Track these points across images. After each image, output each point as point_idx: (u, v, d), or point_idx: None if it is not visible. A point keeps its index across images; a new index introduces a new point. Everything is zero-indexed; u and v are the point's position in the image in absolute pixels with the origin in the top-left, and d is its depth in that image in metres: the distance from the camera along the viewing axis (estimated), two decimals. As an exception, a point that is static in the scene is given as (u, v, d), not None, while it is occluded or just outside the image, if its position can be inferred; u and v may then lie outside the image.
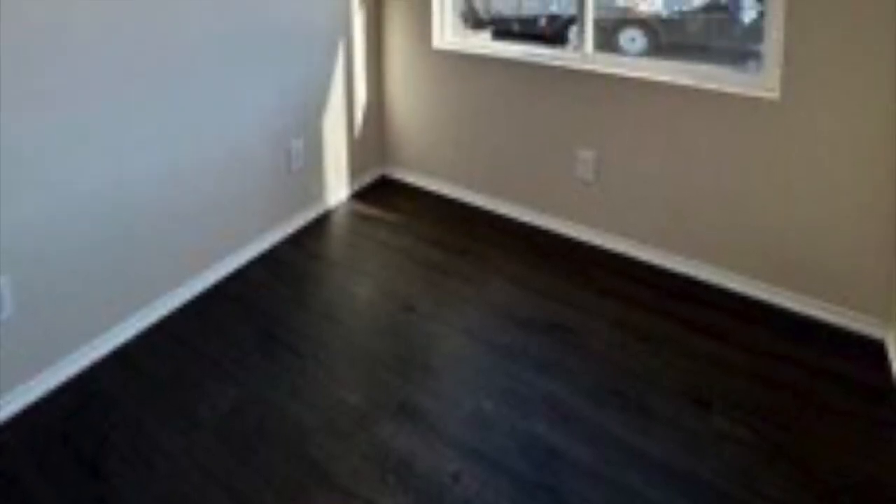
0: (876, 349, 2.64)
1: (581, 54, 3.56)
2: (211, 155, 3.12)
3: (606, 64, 3.46)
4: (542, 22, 7.74)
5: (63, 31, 2.42)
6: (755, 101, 2.92)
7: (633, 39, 7.35)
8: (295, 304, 3.00)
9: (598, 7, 3.61)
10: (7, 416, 2.32)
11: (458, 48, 4.02)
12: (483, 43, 4.29)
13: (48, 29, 2.36)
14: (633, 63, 3.45)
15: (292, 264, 3.33)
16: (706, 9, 7.08)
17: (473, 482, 2.05)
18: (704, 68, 3.24)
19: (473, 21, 7.79)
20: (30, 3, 2.30)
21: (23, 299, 2.36)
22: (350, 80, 4.09)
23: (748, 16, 6.83)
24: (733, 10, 7.02)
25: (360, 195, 4.16)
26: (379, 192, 4.21)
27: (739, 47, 6.68)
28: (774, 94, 2.86)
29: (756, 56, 3.16)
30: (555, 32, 7.56)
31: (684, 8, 7.16)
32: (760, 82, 2.96)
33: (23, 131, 2.31)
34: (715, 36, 7.08)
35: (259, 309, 2.96)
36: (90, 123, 2.55)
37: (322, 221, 3.80)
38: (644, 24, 7.35)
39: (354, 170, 4.20)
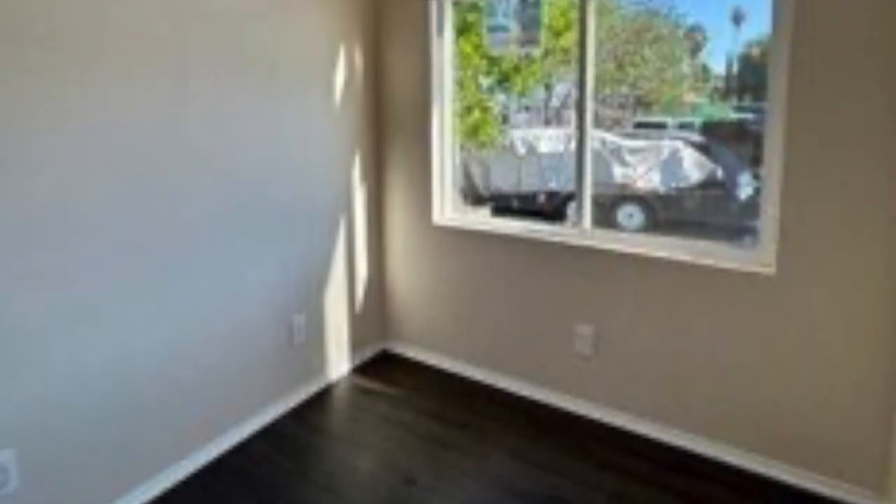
0: (870, 521, 2.81)
1: (580, 230, 3.80)
2: (214, 330, 3.36)
3: (605, 240, 3.69)
4: (541, 198, 8.01)
5: (67, 210, 2.62)
6: (751, 277, 3.12)
7: (630, 215, 7.63)
8: (297, 477, 3.21)
9: (596, 184, 3.82)
10: (14, 587, 2.48)
11: (458, 224, 4.31)
12: (483, 219, 4.56)
13: (53, 208, 2.57)
14: (631, 239, 3.67)
15: (294, 437, 3.57)
16: (703, 185, 7.36)
17: None
18: (701, 244, 3.42)
19: (473, 197, 8.12)
20: (35, 183, 2.50)
21: (28, 472, 2.55)
22: (351, 256, 4.38)
23: (744, 192, 7.12)
24: (730, 186, 7.32)
25: (361, 369, 4.45)
26: (380, 366, 4.50)
27: (736, 223, 6.91)
28: (770, 270, 3.06)
29: (752, 232, 3.36)
30: (554, 208, 7.81)
31: (681, 184, 7.45)
32: (756, 258, 3.16)
33: (28, 308, 2.51)
34: (712, 212, 7.35)
35: (261, 482, 3.18)
36: (95, 300, 2.76)
37: (324, 395, 4.07)
38: (642, 200, 7.65)
39: (356, 344, 4.48)
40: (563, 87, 8.59)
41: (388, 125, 4.50)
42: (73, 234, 2.66)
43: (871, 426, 2.87)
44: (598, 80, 3.74)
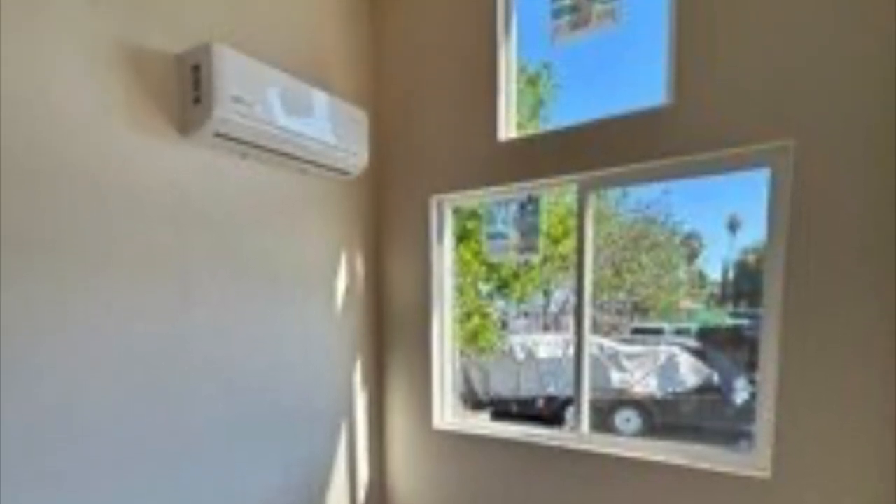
0: None
1: (577, 434, 3.82)
2: (216, 535, 3.41)
3: (602, 444, 3.73)
4: (540, 403, 8.21)
5: (72, 413, 2.65)
6: (747, 480, 3.14)
7: (628, 420, 7.84)
8: None
9: (594, 389, 3.87)
10: None
11: (457, 429, 4.37)
12: (482, 423, 4.72)
13: (57, 412, 2.60)
14: (629, 443, 3.71)
15: None
16: (699, 390, 7.60)
17: None
18: (698, 448, 3.45)
19: (473, 402, 8.30)
20: (39, 386, 2.54)
21: None
22: (352, 459, 4.41)
23: (740, 397, 7.34)
24: (726, 391, 7.57)
25: (361, 572, 4.50)
26: (379, 571, 4.53)
27: (732, 427, 7.09)
28: (766, 474, 3.09)
29: (748, 436, 3.51)
30: (552, 413, 8.02)
31: (678, 389, 7.69)
32: (752, 461, 3.19)
33: (33, 512, 2.56)
34: (708, 416, 7.54)
35: None
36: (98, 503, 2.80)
37: None
38: (639, 404, 7.88)
39: (357, 547, 4.56)
40: (562, 294, 8.95)
41: (389, 330, 4.61)
42: (77, 438, 2.70)
43: None
44: (596, 286, 3.95)
